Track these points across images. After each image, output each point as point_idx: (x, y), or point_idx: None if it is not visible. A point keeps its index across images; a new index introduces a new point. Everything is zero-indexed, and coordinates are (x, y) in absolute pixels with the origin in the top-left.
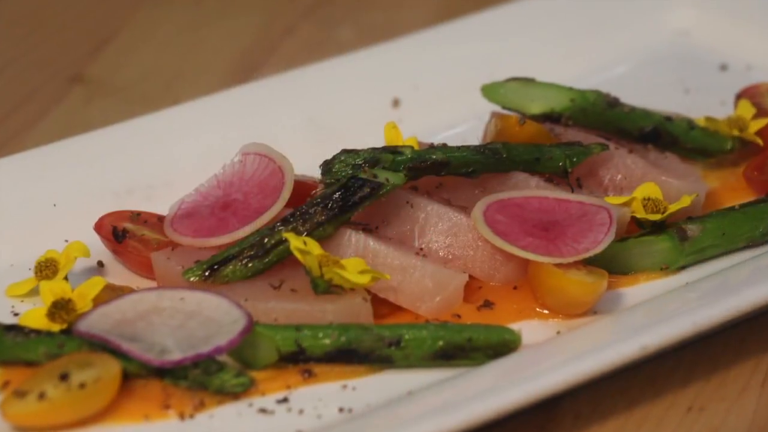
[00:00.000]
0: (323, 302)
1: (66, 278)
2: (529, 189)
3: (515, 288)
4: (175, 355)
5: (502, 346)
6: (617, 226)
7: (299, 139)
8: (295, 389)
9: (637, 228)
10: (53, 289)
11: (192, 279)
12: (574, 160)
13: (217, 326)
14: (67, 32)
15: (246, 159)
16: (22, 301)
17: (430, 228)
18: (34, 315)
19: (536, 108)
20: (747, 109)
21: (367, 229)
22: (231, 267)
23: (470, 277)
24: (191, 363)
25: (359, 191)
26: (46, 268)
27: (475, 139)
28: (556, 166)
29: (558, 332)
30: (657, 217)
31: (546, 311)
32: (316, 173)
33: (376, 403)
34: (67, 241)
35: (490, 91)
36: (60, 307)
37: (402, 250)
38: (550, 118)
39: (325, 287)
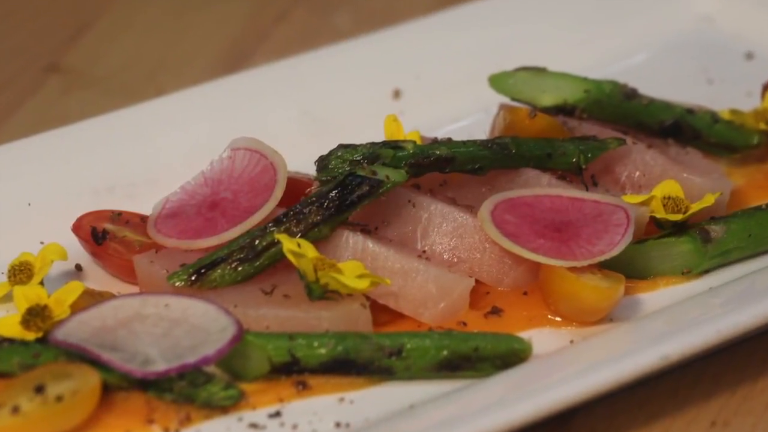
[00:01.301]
0: (318, 309)
1: (41, 283)
2: (541, 187)
3: (525, 293)
4: (160, 366)
5: (511, 356)
6: (635, 226)
7: (293, 134)
8: (289, 402)
9: (657, 229)
10: (28, 294)
11: (177, 284)
12: (589, 155)
13: (205, 335)
14: (43, 18)
15: (235, 155)
16: None
17: (434, 229)
18: (7, 322)
19: (548, 100)
20: None
21: (366, 230)
22: (219, 271)
23: (477, 281)
24: (176, 374)
25: (357, 189)
26: (20, 272)
27: (482, 133)
28: (570, 162)
29: (571, 341)
30: (678, 217)
31: (558, 318)
32: (310, 170)
33: (375, 417)
34: (42, 242)
35: (498, 81)
36: (35, 314)
37: (403, 252)
38: (563, 110)
39: (320, 293)
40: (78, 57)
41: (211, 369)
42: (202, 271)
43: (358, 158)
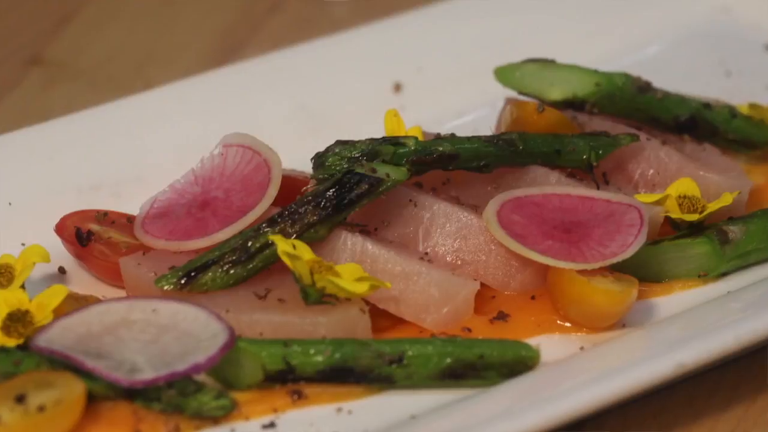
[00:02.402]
0: (315, 314)
1: (23, 286)
2: (549, 185)
3: (533, 298)
4: (147, 374)
5: (519, 363)
6: (649, 227)
7: (288, 129)
8: (283, 413)
9: (672, 230)
10: (8, 299)
11: (166, 287)
12: (600, 152)
13: (195, 341)
14: (24, 8)
15: (227, 151)
16: None
17: (437, 229)
18: None
19: (557, 93)
20: None
21: (365, 231)
22: (210, 274)
23: (482, 285)
24: (165, 383)
25: (356, 188)
26: (1, 276)
27: (487, 128)
28: (580, 159)
29: (581, 348)
30: (694, 217)
31: (568, 324)
32: (307, 167)
33: (374, 428)
34: (24, 244)
35: (504, 74)
36: (16, 320)
37: (404, 254)
38: (572, 104)
39: (317, 297)
40: (61, 48)
41: (201, 377)
42: (193, 274)
43: (357, 155)
